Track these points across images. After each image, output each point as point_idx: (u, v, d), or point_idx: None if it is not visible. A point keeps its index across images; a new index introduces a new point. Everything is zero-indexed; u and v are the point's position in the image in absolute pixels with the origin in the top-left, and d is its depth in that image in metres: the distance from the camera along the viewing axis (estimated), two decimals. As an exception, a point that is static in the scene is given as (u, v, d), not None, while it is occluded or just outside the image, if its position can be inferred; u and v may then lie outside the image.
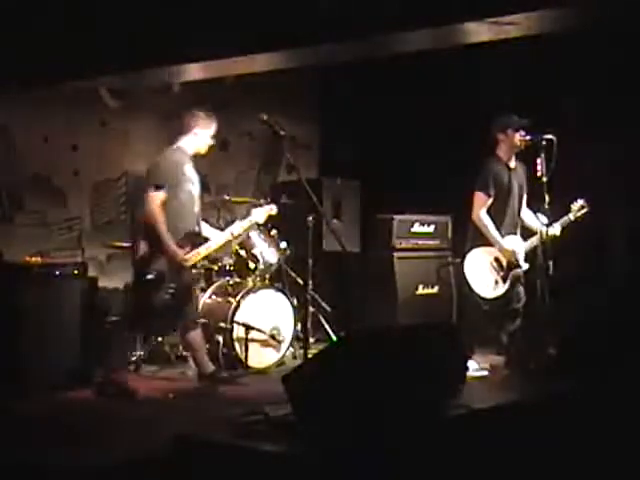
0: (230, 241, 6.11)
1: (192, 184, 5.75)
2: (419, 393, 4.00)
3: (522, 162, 6.21)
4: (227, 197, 7.27)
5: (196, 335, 5.88)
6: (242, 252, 6.85)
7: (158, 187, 5.55)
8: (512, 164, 6.15)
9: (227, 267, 6.96)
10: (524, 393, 5.23)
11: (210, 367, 5.89)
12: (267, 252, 6.82)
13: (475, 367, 6.00)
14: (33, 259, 6.21)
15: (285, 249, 6.92)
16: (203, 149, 5.85)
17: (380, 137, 8.16)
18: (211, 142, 5.86)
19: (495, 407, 4.67)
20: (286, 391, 3.96)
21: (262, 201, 6.53)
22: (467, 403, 4.35)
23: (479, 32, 5.13)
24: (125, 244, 6.81)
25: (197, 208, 5.81)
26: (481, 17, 4.75)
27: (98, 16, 5.83)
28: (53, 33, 5.97)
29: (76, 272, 6.11)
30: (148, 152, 7.93)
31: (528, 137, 5.95)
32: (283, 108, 7.66)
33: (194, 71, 6.37)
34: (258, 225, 6.40)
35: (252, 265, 6.79)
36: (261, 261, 6.78)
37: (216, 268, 6.99)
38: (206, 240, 5.82)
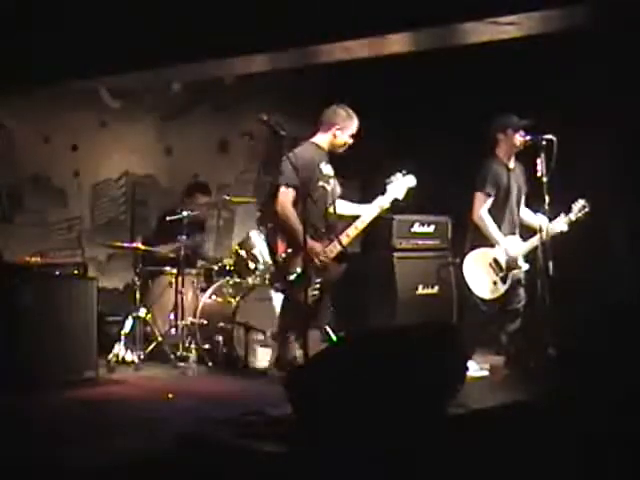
0: (377, 217, 5.99)
1: (327, 182, 5.71)
2: (419, 393, 4.00)
3: (521, 162, 6.21)
4: (227, 197, 7.26)
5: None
6: (242, 252, 6.86)
7: (288, 185, 5.53)
8: (511, 164, 6.15)
9: (227, 267, 6.96)
10: (524, 393, 5.23)
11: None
12: (267, 252, 6.82)
13: (475, 367, 6.00)
14: (33, 259, 6.21)
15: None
16: (339, 146, 5.83)
17: (380, 137, 8.15)
18: (350, 140, 5.82)
19: (495, 407, 4.67)
20: (286, 391, 3.96)
21: (397, 175, 6.13)
22: (467, 403, 4.35)
23: (479, 32, 5.13)
24: (125, 244, 6.81)
25: (332, 201, 5.75)
26: (481, 17, 4.75)
27: (98, 16, 5.83)
28: (53, 33, 5.97)
29: (76, 272, 6.11)
30: (148, 152, 7.96)
31: (528, 137, 5.95)
32: (283, 108, 7.66)
33: (194, 71, 6.38)
34: (398, 200, 6.09)
35: (252, 265, 6.79)
36: (261, 261, 6.78)
37: (216, 268, 7.00)
38: (346, 226, 5.76)
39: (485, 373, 6.08)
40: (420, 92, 7.68)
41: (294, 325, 5.72)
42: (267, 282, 6.82)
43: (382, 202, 5.91)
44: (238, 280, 6.81)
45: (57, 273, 6.00)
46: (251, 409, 4.34)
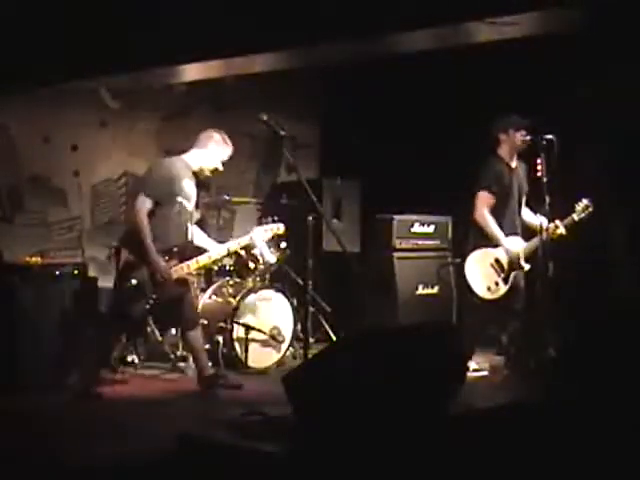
0: (224, 256, 6.06)
1: (187, 200, 5.61)
2: (419, 393, 4.00)
3: (522, 162, 6.21)
4: (227, 197, 7.26)
5: (195, 337, 5.75)
6: (242, 252, 6.85)
7: (149, 195, 5.48)
8: (513, 164, 6.15)
9: (227, 267, 6.96)
10: (524, 393, 5.23)
11: (209, 370, 5.80)
12: (267, 252, 6.82)
13: (475, 367, 6.01)
14: (33, 259, 6.21)
15: (285, 249, 6.92)
16: (208, 170, 5.73)
17: (380, 137, 8.16)
18: (220, 167, 5.75)
19: (495, 407, 4.67)
20: (286, 391, 3.96)
21: (269, 220, 6.43)
22: (467, 403, 4.35)
23: (479, 32, 5.13)
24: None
25: (189, 222, 5.67)
26: (481, 17, 4.75)
27: (98, 16, 5.83)
28: (53, 33, 5.97)
29: (76, 272, 6.11)
30: (148, 152, 7.96)
31: (529, 137, 5.94)
32: (283, 108, 7.66)
33: (194, 71, 6.38)
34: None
35: (252, 265, 6.79)
36: (261, 261, 6.78)
37: (216, 268, 7.00)
38: (198, 253, 5.76)
39: (485, 373, 6.09)
40: (420, 92, 7.67)
41: (115, 328, 5.78)
42: (267, 282, 6.83)
43: (232, 245, 5.97)
44: (238, 280, 6.81)
45: (57, 273, 6.00)
46: (251, 409, 4.34)
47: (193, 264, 5.68)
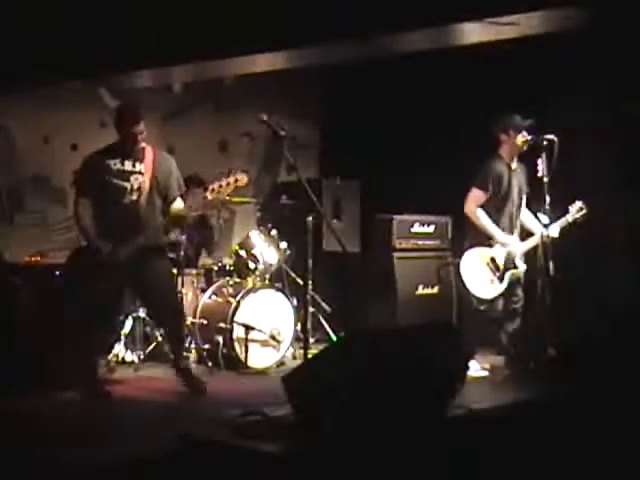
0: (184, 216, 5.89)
1: (121, 177, 5.48)
2: (419, 393, 4.00)
3: (523, 163, 6.20)
4: (227, 197, 7.25)
5: (176, 326, 5.81)
6: (242, 252, 6.86)
7: (79, 190, 5.54)
8: (514, 165, 6.14)
9: (227, 267, 6.96)
10: (524, 393, 5.23)
11: (184, 362, 5.84)
12: (267, 252, 6.82)
13: (475, 367, 6.01)
14: (33, 259, 6.21)
15: (285, 249, 6.92)
16: (127, 141, 5.51)
17: (380, 137, 8.16)
18: (132, 134, 5.49)
19: (495, 407, 4.67)
20: (286, 391, 3.96)
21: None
22: (467, 403, 4.35)
23: (479, 32, 5.13)
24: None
25: (129, 199, 5.48)
26: (481, 17, 4.75)
27: (98, 16, 5.83)
28: (53, 33, 5.97)
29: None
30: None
31: (529, 137, 5.94)
32: (283, 108, 7.66)
33: (194, 71, 6.38)
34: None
35: (252, 265, 6.80)
36: (261, 261, 6.78)
37: (216, 268, 7.00)
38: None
39: (485, 373, 6.09)
40: (420, 92, 7.68)
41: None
42: (267, 282, 6.83)
43: (193, 203, 5.77)
44: (238, 280, 6.81)
45: (57, 273, 5.99)
46: (251, 409, 4.34)
47: (140, 240, 5.47)
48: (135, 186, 5.52)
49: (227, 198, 6.69)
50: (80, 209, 5.50)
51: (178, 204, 5.71)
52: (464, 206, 6.06)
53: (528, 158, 6.05)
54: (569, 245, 6.01)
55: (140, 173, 5.55)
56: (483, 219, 6.01)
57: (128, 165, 5.54)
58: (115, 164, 5.51)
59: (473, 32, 5.17)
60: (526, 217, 6.24)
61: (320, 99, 9.09)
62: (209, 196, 5.54)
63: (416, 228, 7.38)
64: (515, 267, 6.04)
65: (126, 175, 5.51)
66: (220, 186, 5.54)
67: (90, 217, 5.47)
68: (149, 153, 5.60)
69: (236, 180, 5.57)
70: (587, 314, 6.28)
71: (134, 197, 5.51)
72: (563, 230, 6.00)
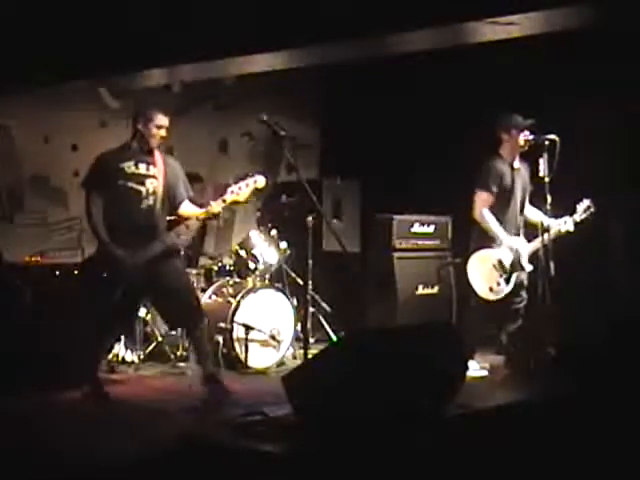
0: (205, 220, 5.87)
1: (137, 180, 5.44)
2: (419, 393, 4.00)
3: (525, 162, 6.20)
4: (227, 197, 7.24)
5: (201, 332, 5.60)
6: (242, 252, 6.86)
7: (91, 191, 5.44)
8: (516, 164, 6.13)
9: (227, 267, 6.96)
10: (524, 393, 5.23)
11: (211, 368, 5.66)
12: (267, 252, 6.82)
13: (475, 367, 6.01)
14: (33, 259, 6.21)
15: (285, 249, 6.93)
16: (151, 138, 5.48)
17: (380, 137, 8.16)
18: (157, 131, 5.47)
19: (495, 407, 4.67)
20: (286, 391, 3.96)
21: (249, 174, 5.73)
22: (467, 403, 4.35)
23: (479, 32, 5.14)
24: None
25: (147, 203, 5.44)
26: (481, 17, 4.75)
27: (98, 16, 5.84)
28: (53, 33, 5.98)
29: (76, 272, 6.11)
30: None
31: (531, 137, 5.93)
32: (283, 108, 7.66)
33: (194, 71, 6.38)
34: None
35: (252, 265, 6.80)
36: (261, 261, 6.78)
37: (216, 268, 7.00)
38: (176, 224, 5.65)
39: (485, 373, 6.09)
40: (420, 92, 7.68)
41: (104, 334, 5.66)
42: (267, 282, 6.83)
43: (214, 207, 5.58)
44: (238, 280, 6.81)
45: (57, 273, 5.99)
46: (251, 409, 4.34)
47: (157, 245, 5.43)
48: (150, 190, 5.48)
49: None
50: (93, 209, 5.42)
51: (186, 207, 5.69)
52: (472, 210, 6.03)
53: (530, 158, 6.04)
54: (569, 245, 6.00)
55: (154, 177, 5.51)
56: (492, 223, 5.99)
57: (142, 168, 5.49)
58: (129, 167, 5.46)
59: (473, 32, 5.17)
60: (531, 212, 6.22)
61: (320, 99, 9.09)
62: (228, 199, 5.53)
63: (416, 228, 7.38)
64: (522, 268, 6.02)
65: (141, 178, 5.47)
66: (239, 188, 5.54)
67: (101, 218, 5.41)
68: (158, 156, 5.58)
69: (255, 182, 5.55)
70: (587, 314, 6.28)
71: (150, 201, 5.47)
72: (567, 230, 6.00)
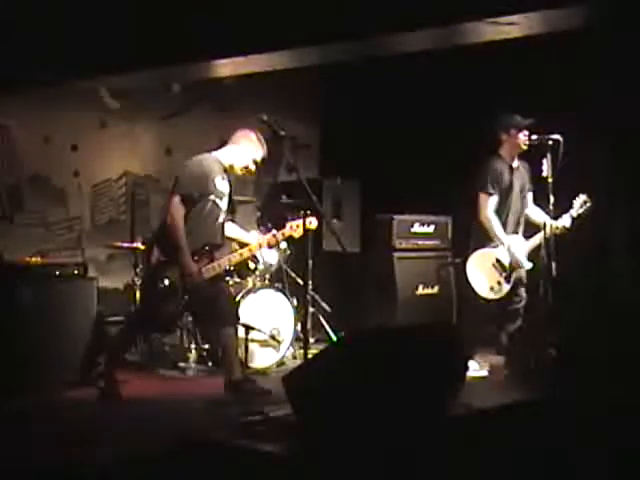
0: (257, 249, 5.90)
1: (219, 197, 5.53)
2: (419, 393, 4.00)
3: (525, 161, 6.19)
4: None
5: (229, 335, 5.56)
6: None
7: (182, 195, 5.39)
8: (515, 164, 6.14)
9: (227, 267, 6.95)
10: (524, 393, 5.23)
11: (238, 374, 5.57)
12: (267, 252, 6.82)
13: (475, 367, 6.01)
14: (33, 259, 6.21)
15: (285, 249, 6.92)
16: (238, 168, 5.65)
17: (380, 137, 8.16)
18: (251, 166, 5.67)
19: (495, 407, 4.67)
20: (286, 391, 3.96)
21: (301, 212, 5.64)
22: (467, 403, 4.35)
23: (479, 32, 5.13)
24: (125, 244, 6.83)
25: (221, 220, 5.59)
26: (481, 17, 4.75)
27: (98, 16, 5.84)
28: (53, 33, 5.98)
29: (76, 272, 6.10)
30: (148, 152, 7.97)
31: (534, 137, 5.93)
32: (283, 108, 7.66)
33: (194, 71, 6.38)
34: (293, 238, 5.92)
35: (252, 265, 6.79)
36: (261, 261, 6.78)
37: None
38: (230, 250, 5.72)
39: (485, 373, 6.09)
40: (420, 92, 7.67)
41: (141, 329, 5.84)
42: (267, 282, 6.83)
43: (272, 238, 5.83)
44: (238, 280, 6.81)
45: (57, 273, 5.99)
46: (251, 409, 4.34)
47: (224, 262, 5.59)
48: (225, 208, 5.59)
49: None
50: (179, 217, 5.37)
51: (229, 226, 5.80)
52: (478, 213, 6.03)
53: (533, 158, 6.04)
54: (569, 245, 6.00)
55: (227, 195, 5.61)
56: (496, 227, 5.99)
57: (224, 185, 5.57)
58: (219, 182, 5.51)
59: (473, 32, 5.17)
60: (533, 211, 6.22)
61: (320, 99, 9.09)
62: (280, 237, 5.79)
63: (416, 228, 7.38)
64: (521, 267, 6.02)
65: (222, 195, 5.55)
66: (297, 227, 5.71)
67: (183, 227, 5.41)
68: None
69: (310, 223, 5.59)
70: (587, 314, 6.28)
71: (222, 219, 5.60)
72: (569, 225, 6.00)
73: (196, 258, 5.44)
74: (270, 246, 6.00)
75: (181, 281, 5.40)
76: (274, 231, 5.89)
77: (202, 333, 6.37)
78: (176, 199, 5.40)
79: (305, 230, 5.57)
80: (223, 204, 5.58)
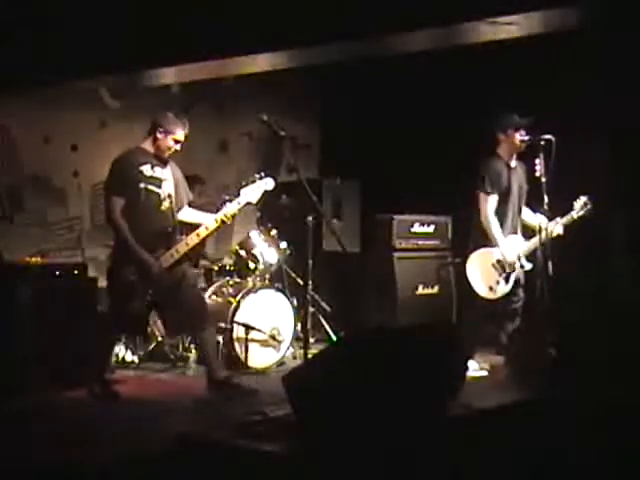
0: (219, 227, 5.75)
1: (155, 185, 5.47)
2: (419, 393, 4.00)
3: (522, 162, 6.20)
4: (227, 197, 7.24)
5: (204, 338, 5.60)
6: (242, 252, 6.86)
7: (116, 193, 5.40)
8: (513, 164, 6.14)
9: (227, 267, 6.96)
10: (524, 393, 5.23)
11: (220, 373, 5.63)
12: (267, 252, 6.83)
13: (475, 367, 6.01)
14: (33, 259, 6.21)
15: (285, 249, 6.93)
16: (165, 151, 5.56)
17: (380, 137, 8.16)
18: (173, 144, 5.55)
19: (495, 407, 4.67)
20: (286, 391, 3.96)
21: (256, 176, 5.82)
22: (467, 403, 4.35)
23: (479, 32, 5.13)
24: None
25: (166, 206, 5.51)
26: (481, 17, 4.75)
27: (98, 16, 5.83)
28: (52, 33, 5.97)
29: (76, 272, 6.10)
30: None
31: (527, 137, 5.94)
32: (283, 108, 7.66)
33: (194, 71, 6.37)
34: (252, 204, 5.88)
35: (252, 265, 6.80)
36: (261, 261, 6.79)
37: (216, 268, 7.00)
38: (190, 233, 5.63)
39: (485, 373, 6.09)
40: (420, 91, 7.67)
41: (117, 328, 5.74)
42: (267, 282, 6.83)
43: (229, 209, 5.66)
44: (238, 280, 6.81)
45: (57, 273, 5.99)
46: (251, 409, 4.34)
47: (182, 247, 5.52)
48: (166, 193, 5.53)
49: (226, 198, 6.42)
50: (117, 212, 5.37)
51: (186, 212, 5.73)
52: (479, 214, 6.03)
53: (526, 158, 6.05)
54: (569, 245, 6.00)
55: (167, 180, 5.56)
56: (494, 229, 5.99)
57: (158, 172, 5.52)
58: (147, 170, 5.47)
59: (473, 32, 5.17)
60: (527, 214, 6.23)
61: (320, 99, 9.09)
62: (242, 202, 5.70)
63: (416, 228, 7.38)
64: (521, 267, 6.03)
65: (158, 182, 5.50)
66: (252, 191, 5.68)
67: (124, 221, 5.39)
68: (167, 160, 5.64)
69: (266, 184, 5.67)
70: (587, 314, 6.28)
71: (167, 204, 5.53)
72: (567, 227, 5.99)
73: (151, 249, 5.41)
74: (224, 222, 5.72)
75: (141, 275, 5.39)
76: (228, 204, 5.71)
77: (170, 325, 6.18)
78: (112, 199, 5.41)
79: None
80: (163, 191, 5.51)
